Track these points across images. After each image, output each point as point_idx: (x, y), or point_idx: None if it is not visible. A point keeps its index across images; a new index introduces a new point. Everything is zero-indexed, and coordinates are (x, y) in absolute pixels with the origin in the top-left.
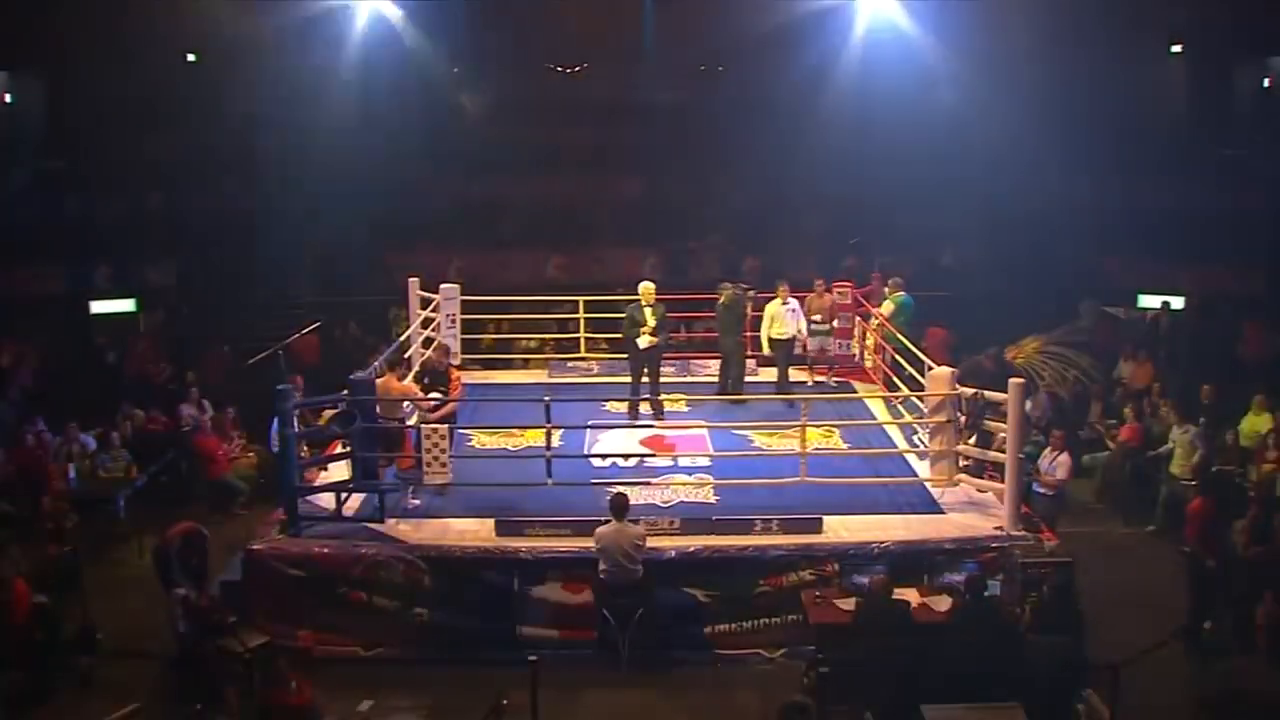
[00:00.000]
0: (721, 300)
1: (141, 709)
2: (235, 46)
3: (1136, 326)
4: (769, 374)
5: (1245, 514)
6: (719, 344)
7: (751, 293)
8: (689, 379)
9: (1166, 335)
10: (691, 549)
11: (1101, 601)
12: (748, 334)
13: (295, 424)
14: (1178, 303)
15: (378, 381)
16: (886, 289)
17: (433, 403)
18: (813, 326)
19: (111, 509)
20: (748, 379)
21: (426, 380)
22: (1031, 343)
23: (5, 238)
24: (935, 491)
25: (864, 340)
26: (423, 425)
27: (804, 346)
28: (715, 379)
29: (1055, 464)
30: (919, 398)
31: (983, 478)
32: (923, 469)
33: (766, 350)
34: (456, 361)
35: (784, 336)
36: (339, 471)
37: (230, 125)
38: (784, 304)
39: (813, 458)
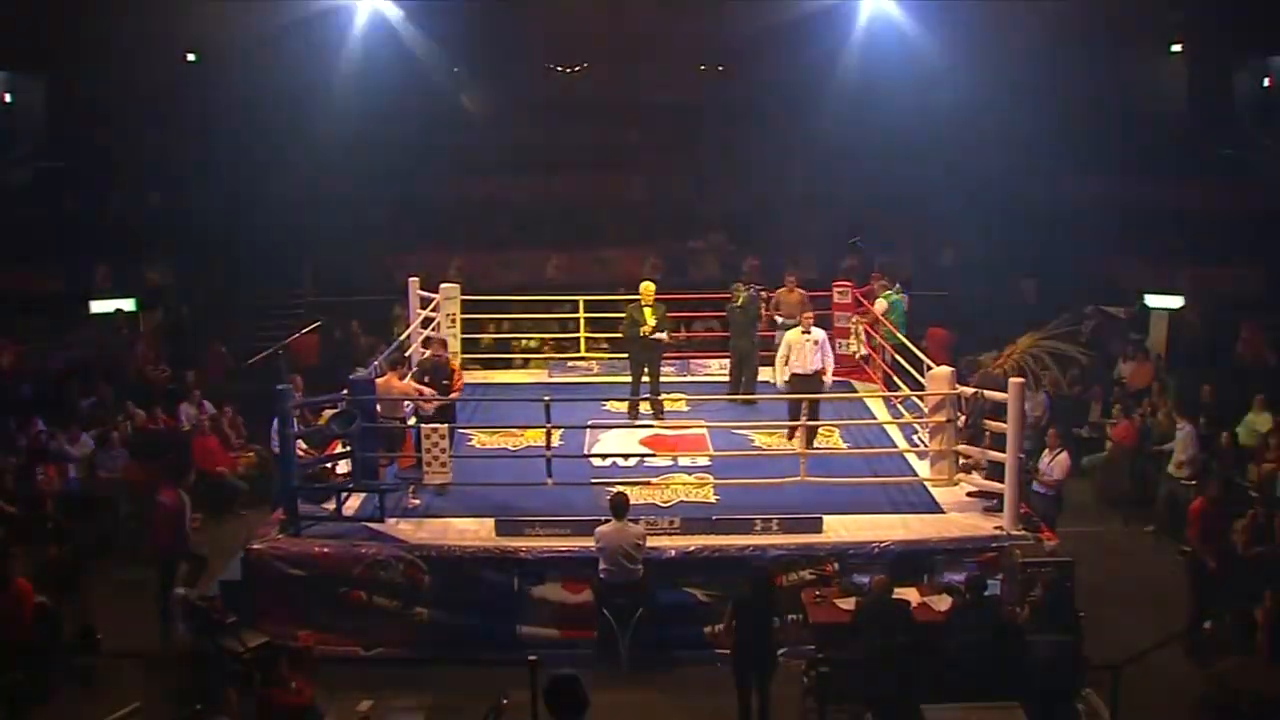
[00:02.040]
0: (738, 302)
1: (141, 709)
2: (235, 46)
3: (1132, 322)
4: (770, 374)
5: (1245, 514)
6: (731, 345)
7: (765, 294)
8: (689, 379)
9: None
10: (691, 549)
11: (1101, 601)
12: (761, 335)
13: (295, 424)
14: (1178, 302)
15: (378, 381)
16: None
17: (437, 401)
18: (785, 323)
19: (111, 509)
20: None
21: (428, 379)
22: (1025, 340)
23: (5, 238)
24: (935, 491)
25: (867, 340)
26: (422, 425)
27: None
28: (715, 378)
29: (1053, 464)
30: (919, 397)
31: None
32: (923, 469)
33: (780, 382)
34: (457, 360)
35: (805, 372)
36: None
37: (230, 125)
38: (805, 334)
39: (813, 458)
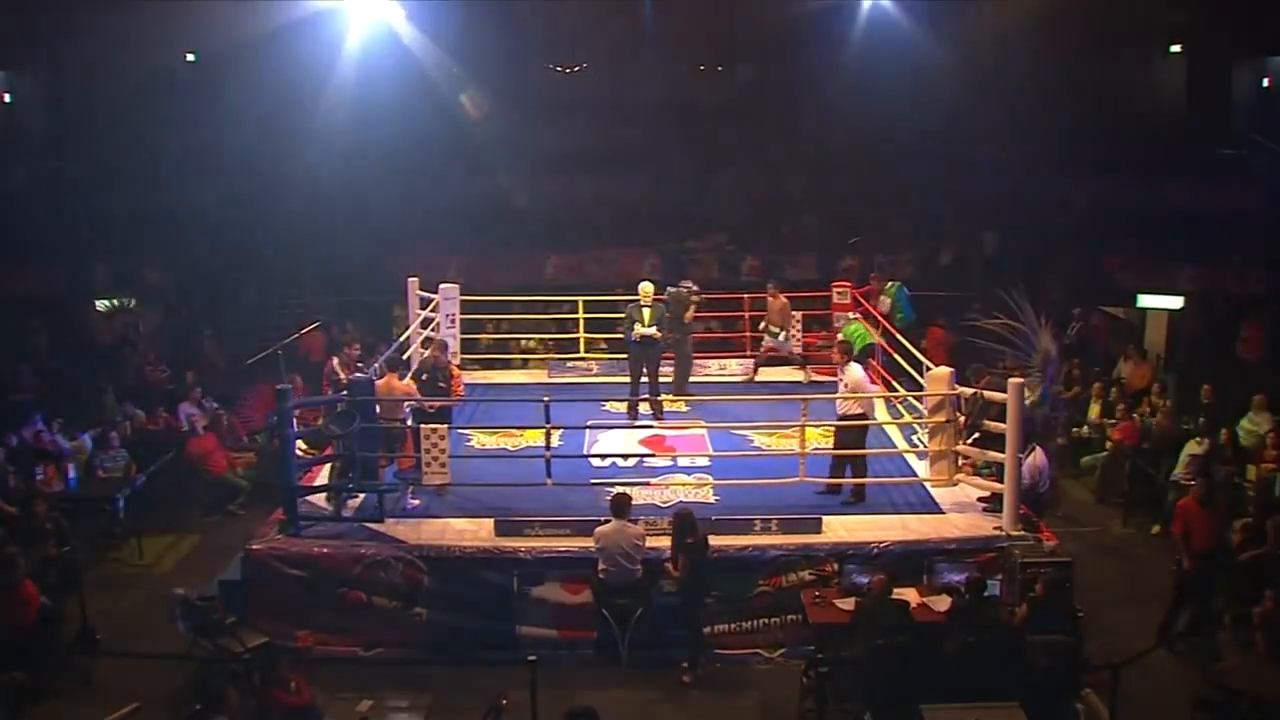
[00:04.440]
0: (664, 298)
1: (141, 709)
2: (235, 46)
3: (1132, 325)
4: (769, 374)
5: (1244, 514)
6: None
7: (697, 296)
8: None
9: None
10: None
11: (1101, 601)
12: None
13: (295, 424)
14: (1178, 302)
15: (378, 382)
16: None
17: (435, 402)
18: (772, 330)
19: (111, 509)
20: (748, 379)
21: (425, 377)
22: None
23: (5, 238)
24: (935, 492)
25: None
26: (421, 426)
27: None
28: (714, 378)
29: (1025, 466)
30: (918, 398)
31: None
32: (922, 469)
33: None
34: (456, 360)
35: (842, 412)
36: (325, 473)
37: (229, 125)
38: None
39: (812, 458)
